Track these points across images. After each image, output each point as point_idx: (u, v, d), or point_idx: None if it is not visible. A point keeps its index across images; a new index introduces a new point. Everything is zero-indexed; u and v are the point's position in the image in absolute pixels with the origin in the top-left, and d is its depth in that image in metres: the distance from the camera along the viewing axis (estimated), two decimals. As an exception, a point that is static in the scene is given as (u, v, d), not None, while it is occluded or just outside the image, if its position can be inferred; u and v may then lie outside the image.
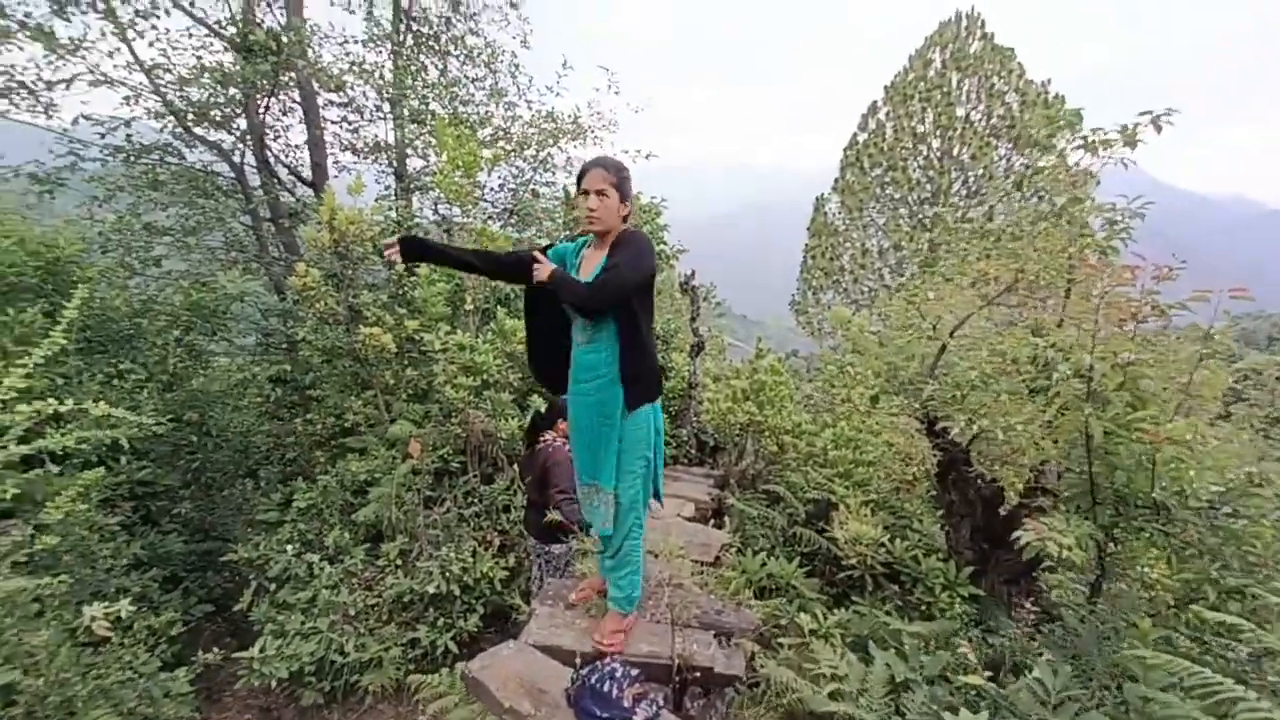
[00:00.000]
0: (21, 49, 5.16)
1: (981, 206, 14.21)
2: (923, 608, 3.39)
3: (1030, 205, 3.03)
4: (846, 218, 16.25)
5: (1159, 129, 2.77)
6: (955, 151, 14.71)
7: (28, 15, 5.14)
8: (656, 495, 2.27)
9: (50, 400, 2.66)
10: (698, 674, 2.27)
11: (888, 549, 3.51)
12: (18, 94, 5.16)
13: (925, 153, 15.11)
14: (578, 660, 2.20)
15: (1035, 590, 3.66)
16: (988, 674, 2.03)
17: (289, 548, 4.10)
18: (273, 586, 3.98)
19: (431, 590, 3.69)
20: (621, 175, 2.01)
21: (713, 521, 4.70)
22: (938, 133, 14.80)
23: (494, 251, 2.10)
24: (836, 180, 16.49)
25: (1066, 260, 2.97)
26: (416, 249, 2.12)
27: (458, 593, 3.77)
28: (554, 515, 2.99)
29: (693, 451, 6.14)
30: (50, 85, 5.37)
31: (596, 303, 1.92)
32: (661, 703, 2.07)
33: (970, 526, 3.37)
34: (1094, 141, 2.96)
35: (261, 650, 3.31)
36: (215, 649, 2.99)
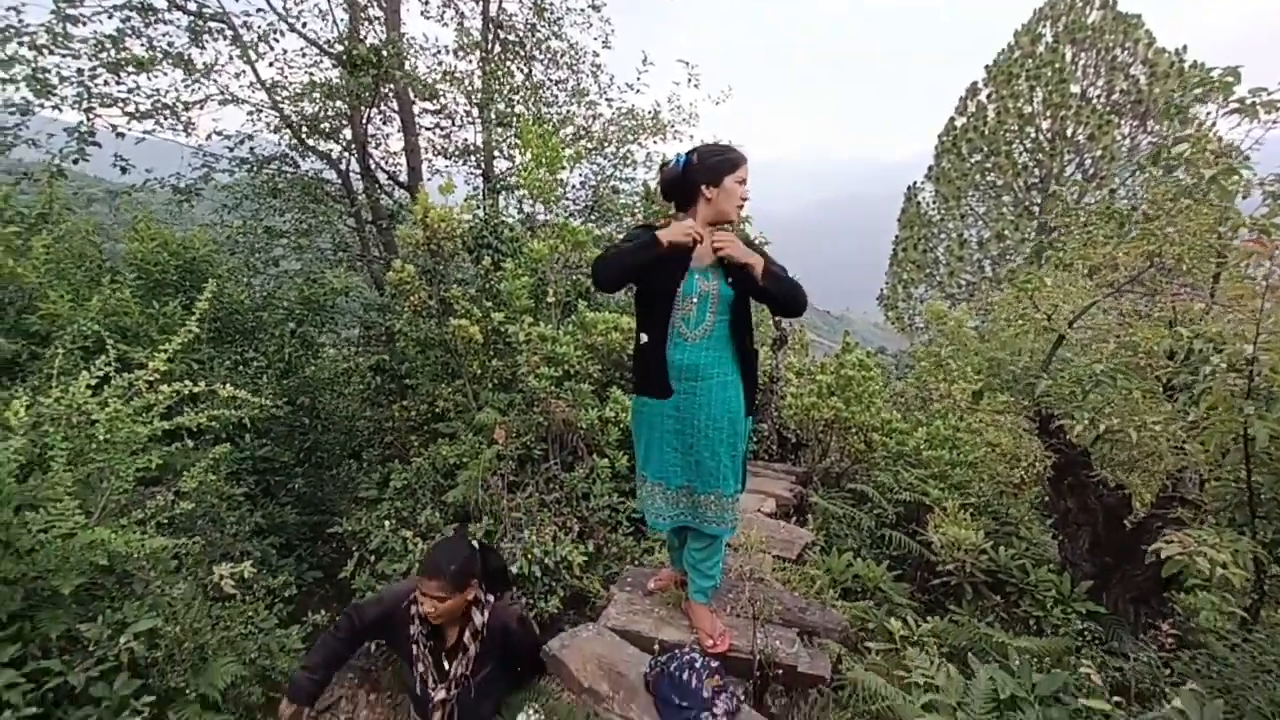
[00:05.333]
0: (165, 74, 5.85)
1: (1100, 190, 12.87)
2: (1030, 622, 3.09)
3: (1169, 180, 2.65)
4: (942, 207, 15.24)
5: (1341, 82, 2.36)
6: (1069, 132, 13.41)
7: (170, 45, 5.82)
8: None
9: (186, 382, 2.97)
10: (780, 672, 2.18)
11: (990, 556, 3.23)
12: (162, 115, 5.84)
13: (1034, 135, 13.88)
14: (656, 647, 2.18)
15: (1167, 612, 3.25)
16: (1114, 699, 1.81)
17: (386, 524, 4.36)
18: (373, 558, 4.26)
19: (514, 570, 3.79)
20: None
21: (795, 518, 4.54)
22: (1048, 113, 13.54)
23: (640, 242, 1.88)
24: (930, 168, 15.50)
25: (1216, 241, 2.59)
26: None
27: (539, 574, 3.85)
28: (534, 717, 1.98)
29: (774, 448, 5.97)
30: (187, 106, 6.06)
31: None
32: (742, 697, 2.01)
33: (1089, 538, 3.03)
34: (1254, 104, 2.57)
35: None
36: (323, 611, 3.22)
